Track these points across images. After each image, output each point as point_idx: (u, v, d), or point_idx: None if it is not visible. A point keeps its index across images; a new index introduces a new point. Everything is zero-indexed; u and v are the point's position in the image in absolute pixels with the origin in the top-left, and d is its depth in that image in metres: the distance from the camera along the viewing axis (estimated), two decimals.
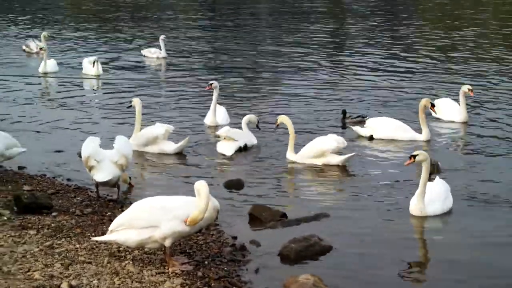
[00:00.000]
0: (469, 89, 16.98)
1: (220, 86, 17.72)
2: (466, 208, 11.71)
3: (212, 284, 8.53)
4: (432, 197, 11.41)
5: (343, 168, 14.18)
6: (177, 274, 8.74)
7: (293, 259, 9.68)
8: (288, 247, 9.82)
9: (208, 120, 17.46)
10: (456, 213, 11.56)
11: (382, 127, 16.36)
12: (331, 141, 14.38)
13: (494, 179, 13.06)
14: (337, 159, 14.32)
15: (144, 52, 28.75)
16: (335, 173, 13.95)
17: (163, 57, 28.27)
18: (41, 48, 25.29)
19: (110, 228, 8.95)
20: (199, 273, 8.82)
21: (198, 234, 10.11)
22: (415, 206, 11.39)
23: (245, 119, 15.87)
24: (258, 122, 16.03)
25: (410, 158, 11.39)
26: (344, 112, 17.78)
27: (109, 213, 11.11)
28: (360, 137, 16.39)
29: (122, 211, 9.79)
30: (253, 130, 15.92)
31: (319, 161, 14.38)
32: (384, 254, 9.98)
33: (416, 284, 9.14)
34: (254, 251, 9.90)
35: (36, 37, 30.83)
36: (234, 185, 12.90)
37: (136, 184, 12.81)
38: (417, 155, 11.34)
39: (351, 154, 14.37)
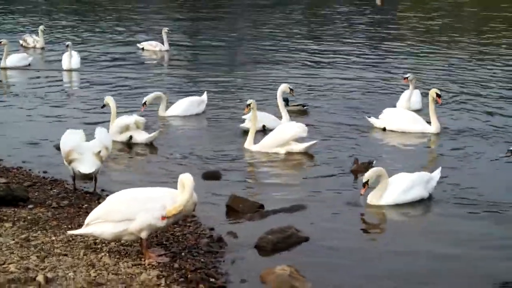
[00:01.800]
0: (437, 94, 16.05)
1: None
2: (448, 206, 11.67)
3: (189, 276, 8.52)
4: (394, 188, 11.56)
5: (320, 159, 14.24)
6: (154, 266, 8.72)
7: (270, 251, 9.69)
8: (265, 239, 9.83)
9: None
10: (428, 205, 11.69)
11: (395, 118, 16.51)
12: (295, 128, 14.61)
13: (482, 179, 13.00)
14: (300, 147, 14.57)
15: (144, 45, 28.65)
16: (312, 164, 14.02)
17: (166, 50, 28.22)
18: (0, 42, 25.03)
19: (86, 221, 8.91)
20: (176, 265, 8.81)
21: (175, 225, 10.10)
22: (371, 196, 11.56)
23: (279, 90, 16.26)
24: (291, 90, 16.38)
25: (363, 186, 11.42)
26: (286, 100, 18.02)
27: (85, 205, 11.06)
28: (373, 128, 16.65)
29: (99, 203, 9.76)
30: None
31: (282, 150, 14.53)
32: (360, 245, 10.05)
33: (391, 274, 9.17)
34: (231, 243, 9.89)
35: (34, 31, 30.73)
36: (212, 177, 12.90)
37: (111, 176, 12.76)
38: (367, 180, 11.37)
39: (313, 142, 14.65)
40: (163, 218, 8.62)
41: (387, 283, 8.88)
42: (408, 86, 18.24)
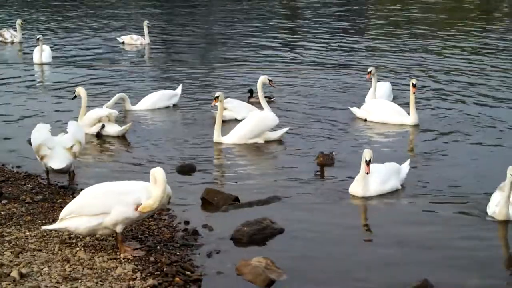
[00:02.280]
0: (412, 84, 15.95)
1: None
2: (424, 197, 11.71)
3: (165, 269, 8.51)
4: (373, 179, 11.57)
5: (294, 150, 14.30)
6: (129, 260, 8.71)
7: (245, 243, 9.71)
8: (241, 231, 9.85)
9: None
10: (404, 195, 11.75)
11: (375, 109, 16.58)
12: (271, 118, 14.78)
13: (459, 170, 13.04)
14: (275, 135, 14.74)
15: (125, 38, 28.49)
16: (286, 156, 14.05)
17: (147, 43, 28.10)
18: None
19: (61, 216, 8.87)
20: (151, 258, 8.80)
21: (150, 219, 10.08)
22: (353, 187, 11.59)
23: (259, 82, 16.10)
24: (270, 81, 16.22)
25: (367, 164, 11.32)
26: (251, 91, 18.16)
27: (60, 200, 11.00)
28: (355, 119, 16.73)
29: (73, 197, 9.71)
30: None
31: (261, 139, 14.66)
32: (336, 236, 10.08)
33: (367, 265, 9.23)
34: (206, 236, 9.90)
35: (11, 26, 30.44)
36: (186, 170, 12.88)
37: (84, 169, 12.71)
38: (370, 159, 11.30)
39: (285, 129, 14.88)
40: (137, 208, 8.59)
41: (363, 274, 8.92)
42: (381, 80, 18.33)
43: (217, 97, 14.71)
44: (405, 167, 12.22)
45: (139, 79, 21.93)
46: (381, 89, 18.17)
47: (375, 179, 11.61)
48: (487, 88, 19.87)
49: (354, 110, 16.88)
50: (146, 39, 28.20)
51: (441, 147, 14.50)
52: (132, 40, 28.30)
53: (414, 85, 15.90)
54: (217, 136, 14.67)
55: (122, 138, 15.27)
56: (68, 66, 23.86)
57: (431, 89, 19.86)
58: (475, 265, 9.10)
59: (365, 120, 16.62)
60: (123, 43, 28.45)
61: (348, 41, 29.20)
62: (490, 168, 12.83)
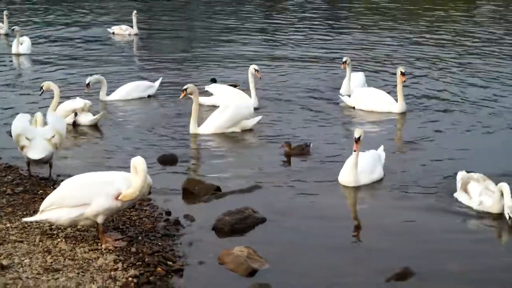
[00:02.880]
0: (401, 72, 16.00)
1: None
2: (407, 185, 11.75)
3: (146, 259, 8.51)
4: (360, 169, 11.57)
5: (271, 139, 14.38)
6: (111, 251, 8.70)
7: (227, 232, 9.71)
8: (222, 220, 9.85)
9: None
10: (386, 183, 11.78)
11: (363, 98, 16.61)
12: (247, 106, 14.99)
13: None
14: (251, 123, 14.88)
15: (115, 29, 28.36)
16: (268, 145, 14.04)
17: (135, 34, 27.96)
18: None
19: (41, 207, 8.82)
20: (133, 249, 8.79)
21: (131, 209, 10.06)
22: (345, 177, 11.55)
23: (249, 71, 16.17)
24: (256, 71, 16.21)
25: (356, 142, 11.31)
26: (213, 80, 18.24)
27: (40, 191, 10.95)
28: (344, 108, 16.84)
29: (54, 189, 9.65)
30: None
31: (237, 128, 14.79)
32: (317, 225, 10.10)
33: (349, 253, 9.27)
34: (188, 225, 9.89)
35: None
36: (168, 160, 12.85)
37: (64, 161, 12.66)
38: (360, 136, 11.32)
39: (259, 118, 15.00)
40: (117, 197, 8.56)
41: (346, 262, 8.97)
42: (360, 71, 18.41)
43: (185, 89, 14.59)
44: (383, 153, 12.26)
45: (122, 69, 21.83)
46: (356, 78, 18.18)
47: (364, 168, 11.63)
48: (472, 76, 19.94)
49: (344, 98, 16.93)
50: (135, 29, 28.11)
51: (427, 135, 14.57)
52: (121, 31, 28.24)
53: (402, 73, 15.90)
54: (193, 128, 14.61)
55: (100, 129, 15.23)
56: (49, 57, 23.68)
57: (415, 76, 19.84)
58: (456, 253, 9.17)
59: (354, 108, 16.65)
60: (113, 33, 28.37)
61: (331, 34, 29.22)
62: (476, 156, 12.91)
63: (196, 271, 8.53)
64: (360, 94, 16.78)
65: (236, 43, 26.67)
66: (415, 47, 25.21)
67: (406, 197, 11.13)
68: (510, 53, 23.53)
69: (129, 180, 8.69)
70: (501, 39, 26.39)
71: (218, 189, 11.30)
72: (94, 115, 15.46)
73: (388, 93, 16.96)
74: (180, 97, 14.95)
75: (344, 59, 17.80)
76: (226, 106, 14.87)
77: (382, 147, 12.49)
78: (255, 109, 15.79)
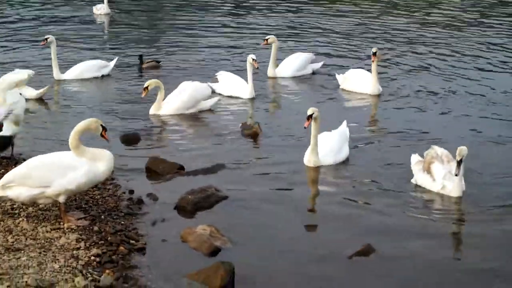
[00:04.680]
0: (373, 53, 15.77)
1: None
2: (371, 165, 11.83)
3: (109, 238, 8.51)
4: (326, 149, 11.64)
5: (233, 118, 14.46)
6: (73, 230, 8.68)
7: (190, 211, 9.73)
8: (185, 199, 9.86)
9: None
10: (350, 164, 11.86)
11: (350, 78, 16.62)
12: (205, 87, 15.04)
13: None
14: (208, 104, 14.94)
15: (93, 9, 28.11)
16: (231, 125, 14.05)
17: (106, 13, 27.65)
18: None
19: (1, 182, 8.72)
20: (95, 228, 8.78)
21: (94, 189, 10.02)
22: (308, 158, 11.61)
23: (248, 61, 15.83)
24: (254, 60, 15.81)
25: (308, 119, 11.36)
26: (140, 57, 18.30)
27: (2, 170, 10.83)
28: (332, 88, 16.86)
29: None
30: None
31: (195, 109, 14.80)
32: (279, 204, 10.15)
33: (312, 231, 9.35)
34: (151, 204, 9.89)
35: None
36: (131, 139, 12.81)
37: (25, 139, 12.56)
38: (313, 113, 11.37)
39: (216, 99, 15.07)
40: None
41: (308, 240, 9.06)
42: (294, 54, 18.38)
43: (147, 87, 14.49)
44: (346, 129, 12.33)
45: (84, 47, 21.66)
46: (289, 60, 17.99)
47: (330, 149, 11.69)
48: (448, 60, 19.90)
49: (338, 77, 16.92)
50: (106, 9, 27.82)
51: (400, 117, 14.61)
52: (96, 10, 27.98)
53: (374, 54, 15.83)
54: (156, 109, 14.54)
55: (58, 108, 15.25)
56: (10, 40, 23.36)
57: (394, 62, 19.83)
58: (416, 232, 9.29)
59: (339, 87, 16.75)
60: (93, 13, 28.13)
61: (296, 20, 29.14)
62: (446, 137, 13.01)
63: (159, 250, 8.55)
64: (349, 74, 16.72)
65: (207, 27, 26.29)
66: (396, 31, 25.16)
67: (369, 178, 11.16)
68: (492, 38, 23.52)
69: (94, 161, 8.71)
70: (485, 24, 26.38)
71: (181, 168, 11.30)
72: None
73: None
74: (142, 96, 14.70)
75: (266, 37, 17.77)
76: (185, 87, 14.83)
77: (345, 123, 12.49)
78: (252, 99, 15.73)
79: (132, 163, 11.48)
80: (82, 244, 8.30)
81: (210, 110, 15.03)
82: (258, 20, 26.85)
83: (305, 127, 11.45)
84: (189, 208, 9.77)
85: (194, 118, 14.63)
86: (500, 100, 15.81)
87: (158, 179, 10.99)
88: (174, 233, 8.94)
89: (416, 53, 20.85)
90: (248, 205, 10.04)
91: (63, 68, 17.80)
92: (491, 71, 18.78)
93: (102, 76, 17.97)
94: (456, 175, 10.07)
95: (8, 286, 7.15)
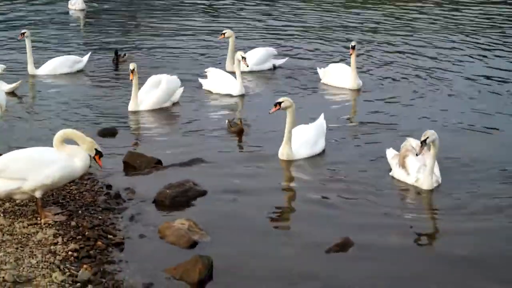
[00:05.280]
0: (352, 46, 15.82)
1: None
2: (351, 156, 11.92)
3: (86, 233, 8.47)
4: (301, 142, 11.67)
5: (208, 113, 14.46)
6: (50, 225, 8.65)
7: (168, 205, 9.71)
8: (163, 193, 9.84)
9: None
10: (326, 157, 11.89)
11: (330, 72, 16.57)
12: (176, 79, 15.01)
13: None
14: (177, 96, 15.06)
15: (68, 4, 27.87)
16: (208, 119, 14.09)
17: (81, 9, 27.41)
18: None
19: None
20: (73, 223, 8.75)
21: (71, 183, 9.96)
22: (281, 151, 11.62)
23: (236, 58, 15.69)
24: (243, 58, 15.66)
25: (275, 105, 11.42)
26: (116, 52, 18.40)
27: None
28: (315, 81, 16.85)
29: None
30: None
31: (169, 103, 14.92)
32: (256, 198, 10.19)
33: (290, 225, 9.37)
34: (128, 199, 9.86)
35: None
36: (108, 133, 12.78)
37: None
38: (282, 101, 11.40)
39: (182, 89, 15.08)
40: None
41: (286, 233, 9.08)
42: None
43: (133, 69, 14.34)
44: (323, 121, 12.36)
45: (58, 42, 21.53)
46: (249, 54, 17.60)
47: (304, 142, 11.73)
48: (428, 53, 19.92)
49: (319, 71, 16.89)
50: (81, 4, 27.62)
51: (378, 110, 14.62)
52: (71, 5, 27.80)
53: (352, 47, 15.78)
54: (134, 105, 14.44)
55: (33, 104, 15.24)
56: None
57: (374, 55, 19.86)
58: (394, 226, 9.32)
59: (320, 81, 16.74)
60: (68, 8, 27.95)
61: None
62: (424, 129, 13.00)
63: (137, 245, 8.53)
64: (328, 68, 16.70)
65: (183, 22, 26.12)
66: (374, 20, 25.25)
67: (346, 171, 11.20)
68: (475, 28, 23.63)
69: (71, 158, 8.68)
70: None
71: (159, 162, 11.28)
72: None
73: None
74: (130, 78, 14.51)
75: (223, 31, 17.68)
76: (157, 81, 14.79)
77: (322, 116, 12.52)
78: (241, 95, 15.62)
79: (110, 158, 11.42)
80: (59, 239, 8.27)
81: (199, 105, 15.02)
82: (237, 14, 26.81)
83: (269, 113, 11.52)
84: (167, 202, 9.76)
85: (173, 112, 14.60)
86: (479, 93, 15.87)
87: (135, 174, 10.96)
88: (152, 228, 8.94)
89: (395, 45, 20.95)
90: (226, 199, 10.04)
91: (37, 63, 17.67)
92: (471, 62, 18.92)
93: (77, 71, 17.87)
94: (417, 155, 10.18)
95: None
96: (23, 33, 17.22)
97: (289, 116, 11.42)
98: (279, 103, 11.36)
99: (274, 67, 18.16)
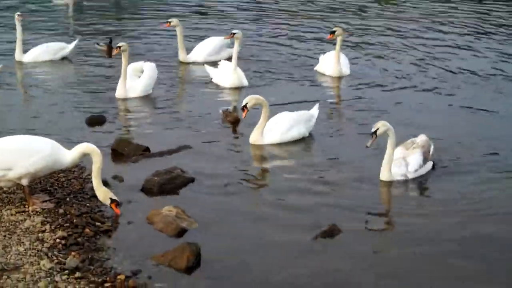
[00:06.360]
0: (331, 31, 15.88)
1: None
2: (327, 142, 12.01)
3: (74, 221, 8.48)
4: (272, 128, 11.80)
5: (198, 100, 14.50)
6: (38, 212, 8.65)
7: (156, 192, 9.72)
8: (151, 181, 9.85)
9: None
10: (312, 143, 11.99)
11: (323, 60, 16.57)
12: (155, 66, 15.00)
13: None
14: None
15: None
16: (195, 106, 14.05)
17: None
18: None
19: None
20: (61, 210, 8.75)
21: (59, 171, 9.93)
22: (251, 136, 11.74)
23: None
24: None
25: (243, 109, 11.53)
26: (110, 40, 18.48)
27: None
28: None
29: None
30: None
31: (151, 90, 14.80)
32: (245, 184, 10.24)
33: (275, 212, 9.38)
34: (117, 186, 9.83)
35: None
36: (96, 121, 12.76)
37: None
38: (247, 102, 11.52)
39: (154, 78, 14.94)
40: None
41: (272, 219, 9.07)
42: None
43: (120, 46, 14.23)
44: (315, 113, 12.39)
45: (49, 31, 21.45)
46: (202, 44, 17.78)
47: (279, 127, 11.81)
48: (415, 41, 19.97)
49: (320, 58, 16.83)
50: None
51: (361, 97, 14.65)
52: None
53: (332, 32, 15.80)
54: (123, 92, 14.39)
55: (17, 91, 15.26)
56: None
57: (364, 43, 19.86)
58: (379, 213, 9.42)
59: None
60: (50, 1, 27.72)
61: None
62: (407, 117, 13.14)
63: (125, 232, 8.54)
64: (324, 56, 16.65)
65: (173, 11, 25.90)
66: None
67: (330, 156, 11.28)
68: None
69: (57, 148, 8.64)
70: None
71: (147, 149, 11.28)
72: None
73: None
74: (114, 53, 14.57)
75: (169, 20, 17.47)
76: (137, 68, 14.78)
77: (317, 106, 12.57)
78: (237, 88, 15.37)
79: (98, 145, 11.33)
80: (47, 226, 8.27)
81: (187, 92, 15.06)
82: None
83: (243, 118, 11.70)
84: (155, 189, 9.76)
85: (160, 99, 14.56)
86: (463, 82, 15.92)
87: (123, 161, 10.96)
88: (140, 215, 8.94)
89: (386, 34, 21.01)
90: (214, 186, 10.05)
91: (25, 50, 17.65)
92: (456, 47, 19.09)
93: (62, 58, 17.85)
94: (367, 146, 10.11)
95: None
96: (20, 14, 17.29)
97: (264, 111, 11.64)
98: (245, 106, 11.49)
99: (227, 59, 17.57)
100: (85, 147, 8.83)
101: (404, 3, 27.00)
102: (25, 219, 8.43)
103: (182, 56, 17.45)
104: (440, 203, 9.60)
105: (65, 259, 7.59)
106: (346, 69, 16.27)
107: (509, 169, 10.73)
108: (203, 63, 16.76)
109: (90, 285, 7.19)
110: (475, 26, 22.09)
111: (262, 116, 11.66)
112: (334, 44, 16.10)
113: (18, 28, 17.09)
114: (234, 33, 15.57)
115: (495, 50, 18.86)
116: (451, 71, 16.74)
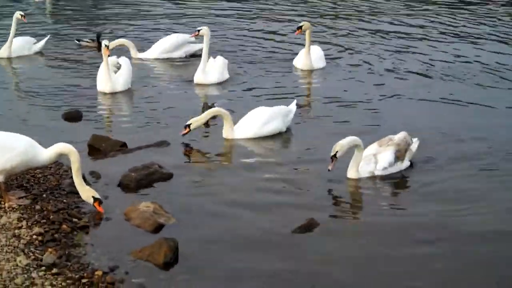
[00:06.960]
0: (298, 27, 16.00)
1: None
2: (306, 137, 12.03)
3: (51, 217, 8.43)
4: (244, 123, 11.87)
5: (172, 96, 14.50)
6: (14, 209, 8.59)
7: (133, 188, 9.69)
8: (128, 176, 9.82)
9: None
10: (289, 137, 12.05)
11: (298, 55, 16.54)
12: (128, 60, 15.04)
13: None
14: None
15: None
16: (174, 101, 14.02)
17: None
18: None
19: None
20: (37, 207, 8.70)
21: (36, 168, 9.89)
22: (223, 131, 11.81)
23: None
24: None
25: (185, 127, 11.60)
26: (99, 35, 18.42)
27: None
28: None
29: None
30: None
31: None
32: (222, 178, 10.27)
33: (254, 207, 9.38)
34: (93, 182, 9.80)
35: None
36: (73, 117, 12.70)
37: None
38: (190, 123, 11.59)
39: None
40: None
41: (251, 215, 9.08)
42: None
43: (107, 46, 14.19)
44: (293, 109, 12.41)
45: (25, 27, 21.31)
46: (159, 41, 17.74)
47: (254, 122, 11.85)
48: (395, 35, 20.10)
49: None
50: None
51: (332, 90, 14.67)
52: None
53: (298, 28, 15.89)
54: (110, 87, 14.29)
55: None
56: None
57: (340, 37, 19.91)
58: (357, 208, 9.50)
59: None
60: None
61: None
62: (383, 112, 13.21)
63: (102, 228, 8.52)
64: (302, 51, 16.60)
65: (151, 5, 25.90)
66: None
67: (307, 152, 11.32)
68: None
69: (33, 146, 8.60)
70: None
71: (124, 145, 11.24)
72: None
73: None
74: (106, 53, 14.21)
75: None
76: (114, 63, 14.77)
77: (295, 102, 12.61)
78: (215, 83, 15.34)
79: (75, 141, 11.28)
80: (23, 223, 8.22)
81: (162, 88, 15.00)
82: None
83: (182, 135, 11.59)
84: (132, 185, 9.74)
85: (138, 95, 14.52)
86: (443, 75, 16.00)
87: (100, 157, 10.92)
88: (117, 211, 8.91)
89: (362, 27, 21.09)
90: (192, 182, 10.06)
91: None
92: (434, 40, 19.21)
93: (35, 53, 17.75)
94: (329, 170, 9.93)
95: None
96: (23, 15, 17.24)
97: (225, 118, 11.66)
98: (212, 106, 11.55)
99: (188, 56, 17.70)
100: (62, 147, 8.77)
101: None
102: (1, 216, 8.37)
103: (133, 52, 17.33)
104: (405, 200, 9.69)
105: (42, 255, 7.55)
106: (319, 63, 16.31)
107: (483, 168, 10.70)
108: (154, 59, 17.02)
109: (67, 281, 7.16)
110: (452, 18, 22.21)
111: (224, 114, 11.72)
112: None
113: (14, 27, 16.95)
114: (199, 30, 15.32)
115: (473, 42, 19.03)
116: (428, 63, 16.83)
